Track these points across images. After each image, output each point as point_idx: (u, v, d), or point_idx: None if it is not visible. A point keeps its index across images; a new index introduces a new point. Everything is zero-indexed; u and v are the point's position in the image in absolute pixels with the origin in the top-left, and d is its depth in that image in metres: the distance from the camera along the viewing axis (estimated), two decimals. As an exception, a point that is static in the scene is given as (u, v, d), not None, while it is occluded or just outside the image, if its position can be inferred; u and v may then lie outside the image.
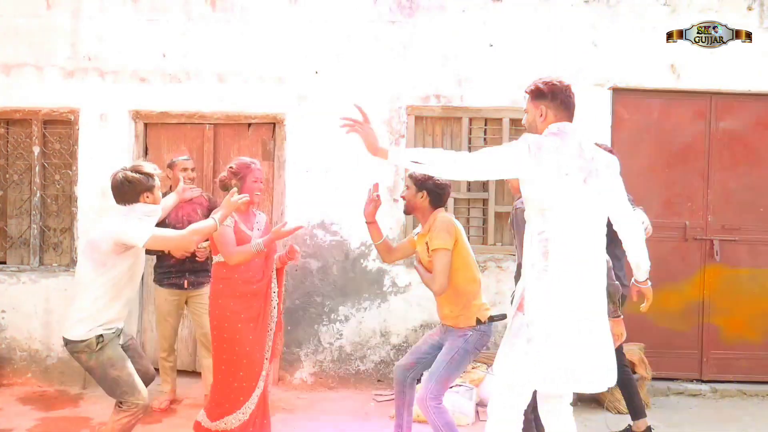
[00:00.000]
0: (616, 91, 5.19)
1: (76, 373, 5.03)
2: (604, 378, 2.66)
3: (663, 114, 5.25)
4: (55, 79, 5.11)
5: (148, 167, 3.31)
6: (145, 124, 5.20)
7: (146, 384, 3.40)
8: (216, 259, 3.65)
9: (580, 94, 4.94)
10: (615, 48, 5.16)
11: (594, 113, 5.15)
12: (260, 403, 3.64)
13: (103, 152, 5.08)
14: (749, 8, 5.18)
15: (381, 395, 4.91)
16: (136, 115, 5.14)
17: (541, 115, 2.70)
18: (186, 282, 4.48)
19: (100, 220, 4.90)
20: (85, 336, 3.15)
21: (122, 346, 3.34)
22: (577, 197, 2.59)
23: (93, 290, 3.18)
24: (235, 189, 3.50)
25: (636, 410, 4.11)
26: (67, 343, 3.21)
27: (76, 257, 5.10)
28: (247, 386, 3.58)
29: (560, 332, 2.58)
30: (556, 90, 2.70)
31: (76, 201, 5.12)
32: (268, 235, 3.62)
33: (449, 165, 2.62)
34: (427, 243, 3.47)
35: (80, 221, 5.10)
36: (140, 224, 3.17)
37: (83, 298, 3.20)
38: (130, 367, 3.26)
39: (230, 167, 3.71)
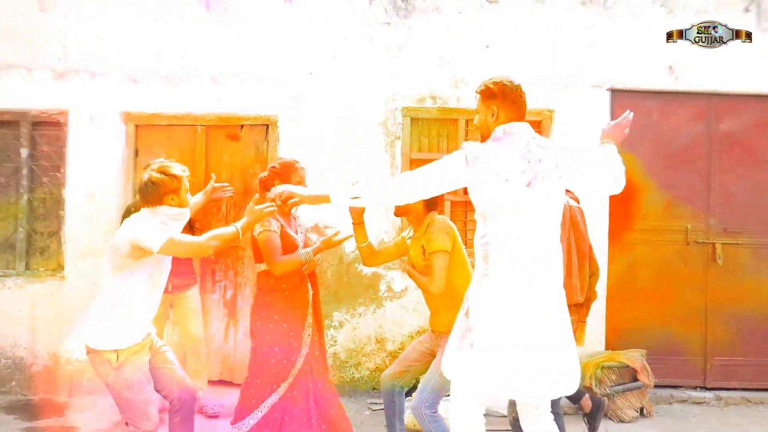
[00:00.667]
0: (615, 93, 5.14)
1: (62, 382, 4.93)
2: (557, 382, 2.60)
3: (662, 115, 5.19)
4: (44, 80, 5.03)
5: (176, 168, 3.12)
6: (136, 126, 5.12)
7: (187, 399, 3.25)
8: (260, 267, 3.44)
9: (577, 95, 5.06)
10: (612, 49, 5.12)
11: (592, 115, 5.09)
12: (282, 406, 3.42)
13: (92, 155, 5.00)
14: (746, 9, 5.15)
15: (376, 404, 4.78)
16: (127, 117, 5.06)
17: (493, 116, 2.69)
18: (170, 285, 4.35)
19: (90, 225, 4.95)
20: (105, 346, 3.00)
21: (152, 352, 3.19)
22: (519, 202, 2.56)
23: (113, 297, 3.03)
24: (257, 196, 3.33)
25: (574, 397, 4.03)
26: (88, 351, 3.06)
27: (63, 262, 5.00)
28: (269, 389, 3.39)
29: (502, 337, 2.54)
30: (507, 90, 2.69)
31: (64, 204, 5.02)
32: (316, 244, 3.43)
33: (391, 191, 2.70)
34: (423, 246, 3.37)
35: (68, 225, 5.00)
36: (159, 228, 2.99)
37: (103, 305, 3.05)
38: (148, 391, 3.11)
39: (273, 167, 3.51)
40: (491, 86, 2.70)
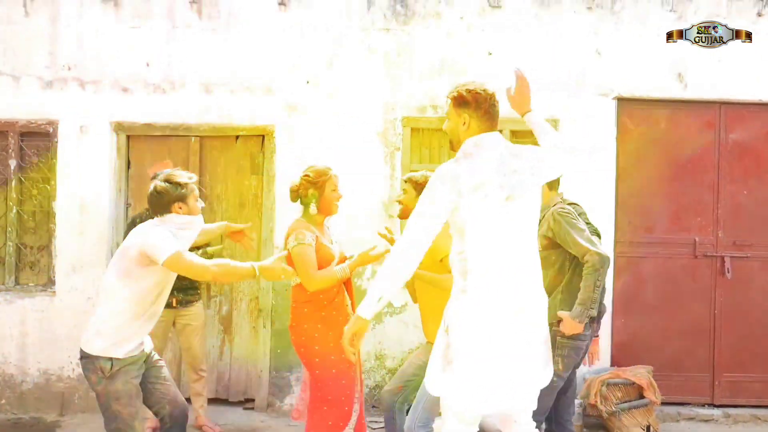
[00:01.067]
0: (621, 101, 4.98)
1: (53, 400, 4.82)
2: (534, 382, 2.59)
3: (670, 125, 5.03)
4: (32, 89, 4.87)
5: (182, 176, 3.10)
6: (128, 137, 4.97)
7: (178, 416, 3.17)
8: (294, 281, 3.29)
9: (583, 104, 4.90)
10: (619, 56, 4.95)
11: (598, 124, 4.94)
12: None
13: (82, 166, 4.85)
14: (759, 14, 4.98)
15: (376, 422, 4.66)
16: (118, 127, 4.91)
17: (464, 124, 2.59)
18: (174, 300, 4.25)
19: (81, 238, 4.81)
20: (101, 353, 2.94)
21: (147, 366, 3.13)
22: (498, 216, 2.49)
23: (115, 302, 2.96)
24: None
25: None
26: (83, 356, 3.01)
27: (54, 276, 4.86)
28: (348, 410, 3.25)
29: (487, 351, 2.47)
30: (480, 99, 2.58)
31: (54, 217, 4.87)
32: (352, 260, 3.27)
33: (405, 261, 2.51)
34: None
35: (58, 238, 4.86)
36: (170, 239, 2.93)
37: (104, 310, 2.99)
38: (136, 405, 3.05)
39: (306, 175, 3.32)
40: (464, 93, 2.59)
